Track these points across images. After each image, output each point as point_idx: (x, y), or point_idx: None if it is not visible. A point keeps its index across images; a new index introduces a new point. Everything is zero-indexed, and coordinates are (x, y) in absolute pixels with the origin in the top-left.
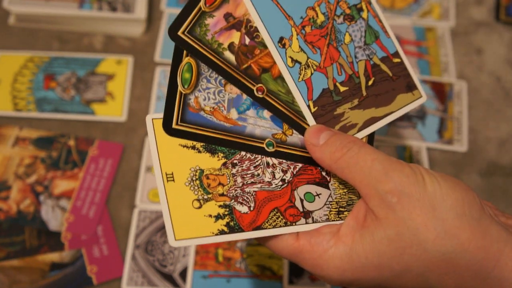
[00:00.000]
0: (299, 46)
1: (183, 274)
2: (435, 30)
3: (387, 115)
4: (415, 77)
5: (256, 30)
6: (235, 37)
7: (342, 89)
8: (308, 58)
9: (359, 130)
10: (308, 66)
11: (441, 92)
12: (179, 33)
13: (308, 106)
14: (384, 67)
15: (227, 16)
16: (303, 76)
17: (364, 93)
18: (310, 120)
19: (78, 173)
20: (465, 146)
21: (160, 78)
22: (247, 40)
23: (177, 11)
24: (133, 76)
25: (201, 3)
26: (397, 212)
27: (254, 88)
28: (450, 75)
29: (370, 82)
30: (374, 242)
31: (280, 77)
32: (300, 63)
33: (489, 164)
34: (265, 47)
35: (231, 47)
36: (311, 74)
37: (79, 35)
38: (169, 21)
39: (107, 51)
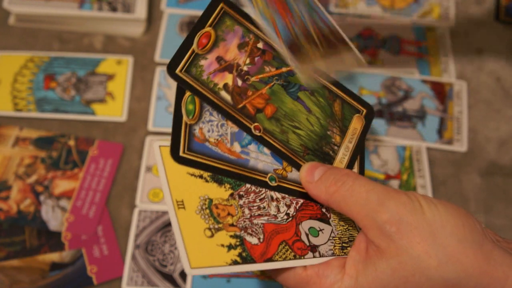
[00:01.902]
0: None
1: (183, 274)
2: (435, 30)
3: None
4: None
5: (247, 73)
6: (228, 78)
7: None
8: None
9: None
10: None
11: (441, 92)
12: (177, 71)
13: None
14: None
15: (219, 59)
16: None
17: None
18: (290, 60)
19: (78, 173)
20: (465, 146)
21: (160, 78)
22: (240, 82)
23: (177, 11)
24: (133, 76)
25: (194, 46)
26: (397, 241)
27: (252, 127)
28: (450, 75)
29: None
30: (377, 272)
31: (273, 118)
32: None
33: (489, 164)
34: (256, 89)
35: (226, 87)
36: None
37: (79, 35)
38: (169, 21)
39: (107, 51)
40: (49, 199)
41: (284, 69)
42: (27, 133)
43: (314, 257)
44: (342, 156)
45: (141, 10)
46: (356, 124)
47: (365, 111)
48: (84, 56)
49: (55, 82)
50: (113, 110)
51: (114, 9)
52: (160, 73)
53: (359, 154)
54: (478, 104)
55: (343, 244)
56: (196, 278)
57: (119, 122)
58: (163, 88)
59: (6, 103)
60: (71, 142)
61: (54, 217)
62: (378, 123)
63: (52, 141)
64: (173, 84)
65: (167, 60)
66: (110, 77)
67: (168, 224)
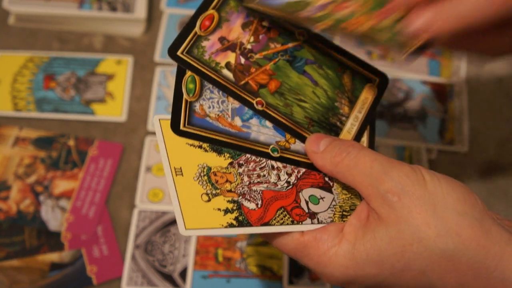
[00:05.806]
0: None
1: (183, 274)
2: None
3: None
4: None
5: (250, 51)
6: (231, 57)
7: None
8: None
9: None
10: None
11: (441, 93)
12: (178, 53)
13: None
14: None
15: (222, 39)
16: None
17: None
18: None
19: (78, 173)
20: (466, 147)
21: (160, 78)
22: (243, 60)
23: (177, 11)
24: (133, 76)
25: (196, 29)
26: (398, 211)
27: (254, 102)
28: (460, 78)
29: None
30: (375, 239)
31: (277, 92)
32: None
33: (489, 164)
34: (260, 66)
35: (228, 66)
36: None
37: (79, 35)
38: (169, 21)
39: (107, 51)
40: (48, 199)
41: (290, 45)
42: (26, 133)
43: (312, 223)
44: (351, 126)
45: (140, 10)
46: (367, 94)
47: (378, 80)
48: (83, 56)
49: (54, 82)
50: (113, 110)
51: (113, 9)
52: (160, 73)
53: (368, 124)
54: (478, 104)
55: (344, 213)
56: (196, 278)
57: (118, 122)
58: (163, 88)
59: (6, 103)
60: (71, 142)
61: (53, 217)
62: (379, 125)
63: (52, 141)
64: (173, 84)
65: (167, 60)
66: (109, 77)
67: (167, 224)
